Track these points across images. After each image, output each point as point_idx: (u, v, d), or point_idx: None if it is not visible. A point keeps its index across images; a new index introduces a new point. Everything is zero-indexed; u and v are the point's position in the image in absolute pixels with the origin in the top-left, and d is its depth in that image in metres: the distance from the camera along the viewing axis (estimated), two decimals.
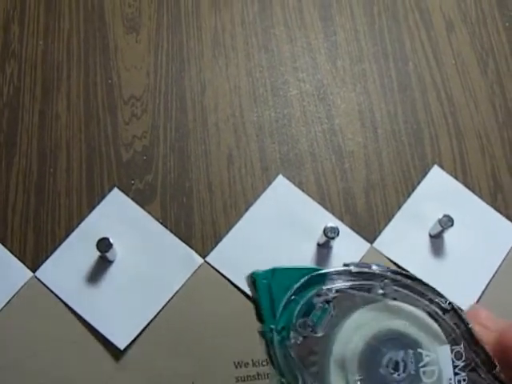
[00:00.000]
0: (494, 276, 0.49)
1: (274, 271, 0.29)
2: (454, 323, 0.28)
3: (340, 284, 0.29)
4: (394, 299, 0.29)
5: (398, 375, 0.27)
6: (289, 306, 0.29)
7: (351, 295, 0.29)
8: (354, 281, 0.29)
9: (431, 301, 0.29)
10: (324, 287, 0.29)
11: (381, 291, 0.29)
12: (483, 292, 0.49)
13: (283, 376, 0.28)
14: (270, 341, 0.28)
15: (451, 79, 0.56)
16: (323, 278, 0.29)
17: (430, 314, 0.28)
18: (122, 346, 0.46)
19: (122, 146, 0.53)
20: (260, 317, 0.29)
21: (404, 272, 0.29)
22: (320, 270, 0.29)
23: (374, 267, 0.29)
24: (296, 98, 0.55)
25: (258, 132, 0.54)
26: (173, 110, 0.54)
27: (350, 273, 0.29)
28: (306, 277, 0.29)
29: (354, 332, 0.28)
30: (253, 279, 0.29)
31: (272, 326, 0.28)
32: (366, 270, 0.29)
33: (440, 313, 0.28)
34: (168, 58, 0.56)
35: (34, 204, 0.50)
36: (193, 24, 0.57)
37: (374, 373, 0.27)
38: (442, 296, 0.29)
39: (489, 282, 0.49)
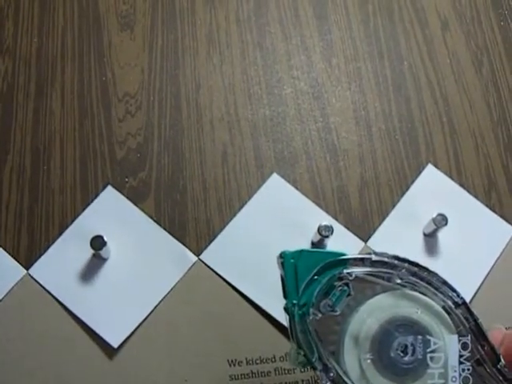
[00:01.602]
0: (488, 275, 0.49)
1: (301, 252, 0.31)
2: (465, 317, 0.30)
3: (360, 269, 0.31)
4: (411, 289, 0.31)
5: (407, 358, 0.29)
6: (311, 285, 0.31)
7: (369, 281, 0.31)
8: (373, 268, 0.31)
9: (445, 294, 0.30)
10: (344, 271, 0.31)
11: (399, 281, 0.31)
12: (477, 291, 0.49)
13: (301, 348, 0.30)
14: (292, 315, 0.30)
15: (446, 78, 0.56)
16: (345, 262, 0.31)
17: (442, 306, 0.30)
18: (115, 344, 0.46)
19: (116, 143, 0.52)
20: (285, 293, 0.31)
21: (421, 264, 0.31)
22: (343, 255, 0.31)
23: (393, 258, 0.31)
24: (291, 97, 0.55)
25: (252, 130, 0.54)
26: (167, 107, 0.54)
27: (370, 260, 0.31)
28: (329, 260, 0.31)
29: (370, 315, 0.30)
30: (281, 258, 0.32)
31: (294, 302, 0.31)
32: (385, 259, 0.31)
33: (452, 306, 0.30)
34: (162, 56, 0.56)
35: (27, 201, 0.50)
36: (188, 21, 0.57)
37: (384, 354, 0.29)
38: (454, 290, 0.31)
39: (483, 281, 0.49)
